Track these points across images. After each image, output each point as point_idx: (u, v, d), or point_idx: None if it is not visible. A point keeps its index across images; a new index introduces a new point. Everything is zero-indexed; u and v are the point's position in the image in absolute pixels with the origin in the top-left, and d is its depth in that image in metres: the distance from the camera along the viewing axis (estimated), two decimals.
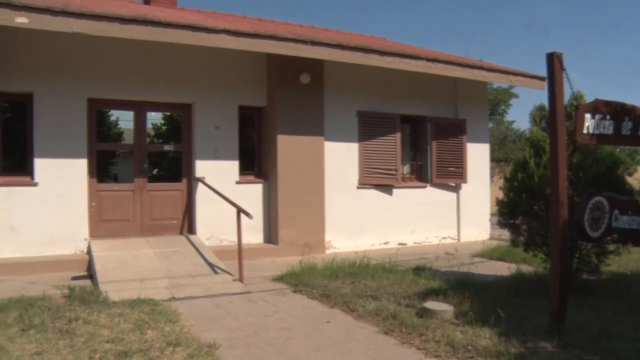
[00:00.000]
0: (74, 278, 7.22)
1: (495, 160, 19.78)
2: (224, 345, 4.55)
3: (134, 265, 7.37)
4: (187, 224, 9.38)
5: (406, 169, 11.53)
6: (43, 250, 8.06)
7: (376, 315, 5.41)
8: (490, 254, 9.61)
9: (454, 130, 11.62)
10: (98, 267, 7.19)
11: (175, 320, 5.13)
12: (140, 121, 9.28)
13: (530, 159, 6.68)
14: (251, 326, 5.20)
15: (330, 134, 10.11)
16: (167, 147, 10.63)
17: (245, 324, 5.27)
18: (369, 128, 10.53)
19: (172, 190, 9.40)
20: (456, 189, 11.74)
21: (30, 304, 5.37)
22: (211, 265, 7.64)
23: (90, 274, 7.44)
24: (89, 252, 8.04)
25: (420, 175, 11.57)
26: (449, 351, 4.37)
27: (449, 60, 10.36)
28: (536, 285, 6.66)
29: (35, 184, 8.08)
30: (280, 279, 7.35)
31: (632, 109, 5.20)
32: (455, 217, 11.71)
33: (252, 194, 9.67)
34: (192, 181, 9.31)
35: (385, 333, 4.92)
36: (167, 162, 14.15)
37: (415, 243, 11.06)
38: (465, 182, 11.72)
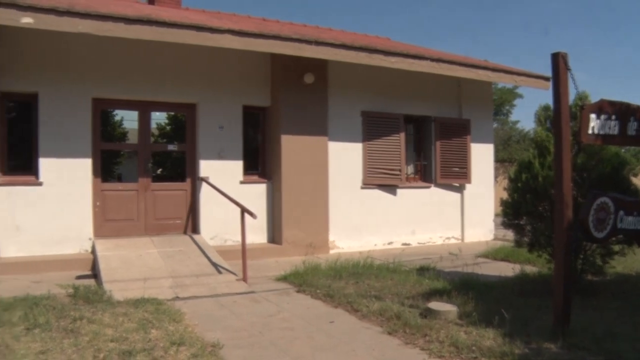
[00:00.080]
0: (79, 277, 7.24)
1: (499, 160, 19.73)
2: (227, 344, 4.55)
3: (138, 265, 7.39)
4: (191, 224, 9.39)
5: (410, 169, 11.52)
6: (48, 249, 8.09)
7: (380, 316, 5.40)
8: (495, 254, 9.59)
9: (458, 131, 11.60)
10: (102, 266, 7.21)
11: (179, 320, 5.14)
12: (144, 121, 9.30)
13: (535, 160, 6.65)
14: (255, 326, 5.20)
15: (334, 134, 10.11)
16: (171, 147, 10.68)
17: (249, 324, 5.27)
18: (373, 128, 10.53)
19: (176, 190, 9.42)
20: (460, 189, 11.73)
21: (35, 303, 5.39)
22: (215, 265, 7.65)
23: (95, 274, 7.46)
24: (93, 251, 8.07)
25: (425, 176, 11.56)
26: (452, 352, 4.36)
27: (453, 60, 10.34)
28: (540, 286, 6.64)
29: (40, 184, 8.11)
30: (284, 278, 7.35)
31: (638, 109, 5.18)
32: (459, 218, 11.69)
33: (256, 194, 9.68)
34: (196, 181, 9.33)
35: (389, 333, 4.92)
36: (171, 162, 14.19)
37: (419, 243, 11.04)
38: (469, 182, 11.70)
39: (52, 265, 7.72)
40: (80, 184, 8.36)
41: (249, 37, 8.25)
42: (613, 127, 5.02)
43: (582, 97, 5.49)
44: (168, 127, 15.38)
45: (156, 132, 14.28)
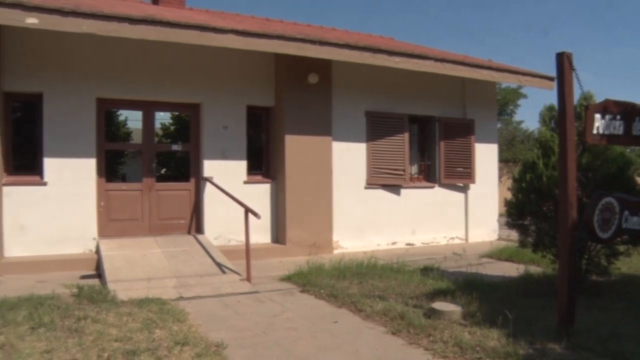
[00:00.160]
0: (83, 277, 7.26)
1: (503, 160, 19.68)
2: (231, 344, 4.55)
3: (142, 265, 7.40)
4: (195, 224, 9.40)
5: (414, 169, 11.50)
6: (52, 249, 8.11)
7: (384, 316, 5.40)
8: (499, 254, 9.57)
9: (462, 131, 11.58)
10: (106, 266, 7.23)
11: (183, 320, 5.15)
12: (148, 121, 9.31)
13: (539, 160, 6.64)
14: (259, 326, 5.21)
15: (338, 134, 10.11)
16: (175, 147, 10.69)
17: (253, 324, 5.27)
18: (377, 128, 10.52)
19: (180, 190, 9.43)
20: (464, 189, 11.71)
21: (39, 303, 5.41)
22: (219, 264, 7.66)
23: (99, 273, 7.48)
24: (97, 251, 8.09)
25: (428, 176, 11.55)
26: (456, 352, 4.35)
27: (457, 60, 10.32)
28: (545, 286, 6.62)
29: (44, 184, 8.14)
30: (287, 278, 7.35)
31: None
32: (463, 218, 11.67)
33: (259, 194, 9.68)
34: (200, 181, 9.34)
35: (393, 333, 4.91)
36: (175, 162, 14.22)
37: (423, 243, 11.03)
38: (473, 182, 11.68)
39: (57, 265, 7.75)
40: (85, 184, 8.38)
41: (252, 37, 8.25)
42: (618, 127, 5.00)
43: (586, 97, 5.48)
44: (172, 127, 15.42)
45: (160, 132, 14.32)
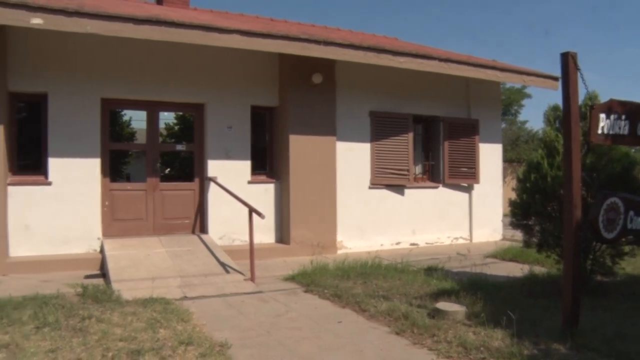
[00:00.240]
0: (87, 277, 7.28)
1: (507, 160, 19.65)
2: (235, 344, 4.55)
3: (146, 264, 7.41)
4: (199, 224, 9.41)
5: (418, 169, 11.50)
6: (57, 249, 8.13)
7: (388, 316, 5.40)
8: (503, 254, 9.55)
9: (466, 131, 11.57)
10: (111, 265, 7.24)
11: (187, 319, 5.15)
12: (153, 121, 9.33)
13: (544, 160, 6.62)
14: (263, 326, 5.21)
15: (343, 134, 10.11)
16: (179, 147, 10.73)
17: (257, 324, 5.28)
18: (381, 128, 10.51)
19: (185, 190, 9.45)
20: (468, 189, 11.69)
21: (44, 302, 5.43)
22: (223, 264, 7.66)
23: (103, 273, 7.49)
24: (101, 251, 8.10)
25: (433, 176, 11.53)
26: (461, 352, 4.34)
27: (462, 60, 10.31)
28: (549, 286, 6.60)
29: (49, 184, 8.16)
30: (291, 278, 7.35)
31: None
32: (468, 218, 11.66)
33: (264, 194, 9.69)
34: (204, 181, 9.35)
35: (397, 333, 4.91)
36: (180, 162, 14.25)
37: (427, 243, 11.02)
38: (477, 182, 11.67)
39: (61, 264, 7.76)
40: (89, 184, 8.40)
41: (256, 37, 8.26)
42: (623, 127, 4.98)
43: (591, 97, 5.47)
44: (176, 127, 15.45)
45: (164, 132, 14.36)
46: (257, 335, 4.90)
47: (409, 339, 4.76)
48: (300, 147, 9.62)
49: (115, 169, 11.70)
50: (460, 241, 11.48)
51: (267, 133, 10.17)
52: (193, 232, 9.33)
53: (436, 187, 11.36)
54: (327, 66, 9.64)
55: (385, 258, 8.79)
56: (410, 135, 10.82)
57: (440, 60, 9.92)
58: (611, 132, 4.92)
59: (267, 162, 10.10)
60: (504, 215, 10.92)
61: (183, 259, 7.73)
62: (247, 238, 7.81)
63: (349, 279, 7.12)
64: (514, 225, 7.15)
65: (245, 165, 9.58)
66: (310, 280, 7.04)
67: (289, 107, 9.60)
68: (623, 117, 4.96)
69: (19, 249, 7.94)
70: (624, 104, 5.00)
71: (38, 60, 8.12)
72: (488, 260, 9.13)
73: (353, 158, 10.24)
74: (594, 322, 5.01)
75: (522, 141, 27.02)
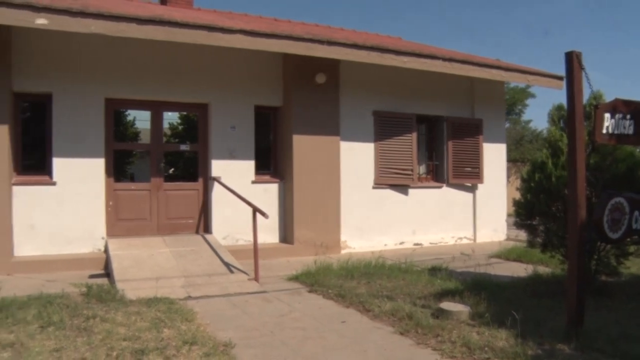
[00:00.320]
0: (92, 276, 7.29)
1: (511, 160, 19.60)
2: (239, 344, 4.56)
3: (150, 264, 7.43)
4: (203, 224, 9.42)
5: (422, 169, 11.48)
6: (61, 248, 8.15)
7: (392, 316, 5.39)
8: (507, 254, 9.53)
9: (470, 130, 11.55)
10: (115, 265, 7.26)
11: (191, 319, 5.16)
12: (157, 121, 9.34)
13: (548, 160, 6.61)
14: (267, 325, 5.21)
15: (346, 134, 10.10)
16: (183, 147, 10.72)
17: (261, 324, 5.28)
18: (385, 128, 10.50)
19: (189, 190, 9.46)
20: (472, 189, 11.67)
21: (49, 302, 5.45)
22: (227, 264, 7.67)
23: (108, 273, 7.51)
24: (106, 250, 8.12)
25: (437, 176, 11.52)
26: (465, 352, 4.34)
27: (466, 60, 10.29)
28: (553, 286, 6.59)
29: (53, 183, 8.18)
30: (295, 278, 7.35)
31: None
32: (472, 218, 11.63)
33: (267, 194, 9.69)
34: (208, 181, 9.36)
35: (401, 333, 4.90)
36: (184, 162, 14.27)
37: (431, 243, 11.01)
38: (481, 182, 11.64)
39: (66, 264, 7.78)
40: (93, 184, 8.42)
41: (260, 37, 8.26)
42: (628, 127, 4.97)
43: (596, 97, 5.44)
44: (180, 127, 15.47)
45: (168, 132, 14.37)
46: (261, 335, 4.90)
47: (413, 339, 4.75)
48: (304, 147, 9.62)
49: (120, 168, 11.75)
50: (464, 241, 11.46)
51: (271, 133, 10.17)
52: (197, 232, 9.34)
53: (440, 187, 11.35)
54: (330, 66, 9.63)
55: (389, 258, 8.78)
56: (414, 135, 10.80)
57: (444, 59, 9.90)
58: (616, 132, 4.91)
59: (270, 162, 10.10)
60: (508, 215, 10.87)
61: (187, 259, 7.74)
62: (250, 238, 7.81)
63: (352, 278, 7.12)
64: (518, 225, 7.14)
65: (249, 165, 9.59)
66: (314, 280, 7.04)
67: (292, 107, 9.60)
68: (628, 116, 4.94)
69: (23, 248, 7.97)
70: (628, 104, 4.98)
71: (42, 60, 8.14)
72: (492, 260, 9.11)
73: (357, 158, 10.23)
74: (599, 323, 4.99)
75: (526, 141, 26.96)
